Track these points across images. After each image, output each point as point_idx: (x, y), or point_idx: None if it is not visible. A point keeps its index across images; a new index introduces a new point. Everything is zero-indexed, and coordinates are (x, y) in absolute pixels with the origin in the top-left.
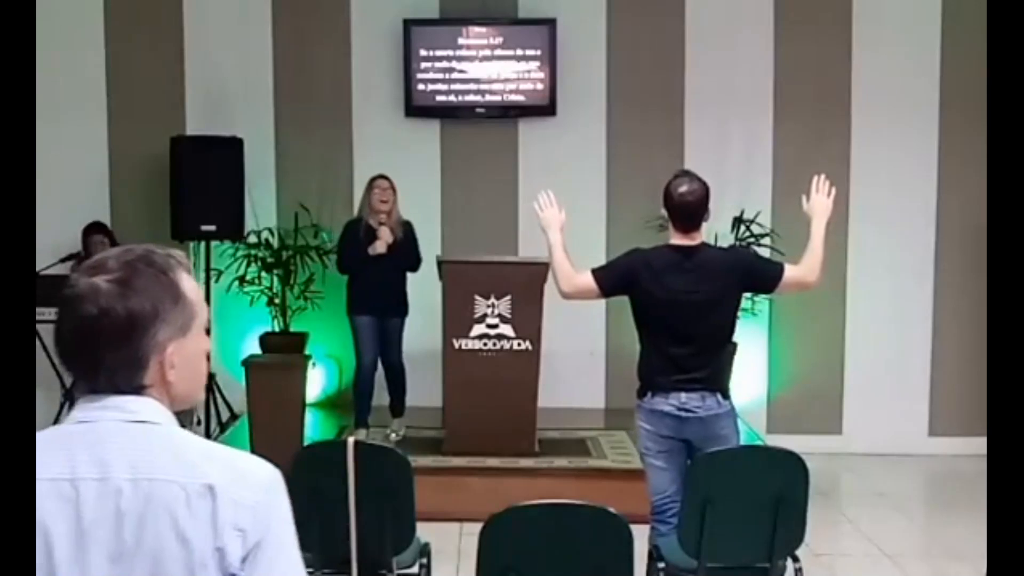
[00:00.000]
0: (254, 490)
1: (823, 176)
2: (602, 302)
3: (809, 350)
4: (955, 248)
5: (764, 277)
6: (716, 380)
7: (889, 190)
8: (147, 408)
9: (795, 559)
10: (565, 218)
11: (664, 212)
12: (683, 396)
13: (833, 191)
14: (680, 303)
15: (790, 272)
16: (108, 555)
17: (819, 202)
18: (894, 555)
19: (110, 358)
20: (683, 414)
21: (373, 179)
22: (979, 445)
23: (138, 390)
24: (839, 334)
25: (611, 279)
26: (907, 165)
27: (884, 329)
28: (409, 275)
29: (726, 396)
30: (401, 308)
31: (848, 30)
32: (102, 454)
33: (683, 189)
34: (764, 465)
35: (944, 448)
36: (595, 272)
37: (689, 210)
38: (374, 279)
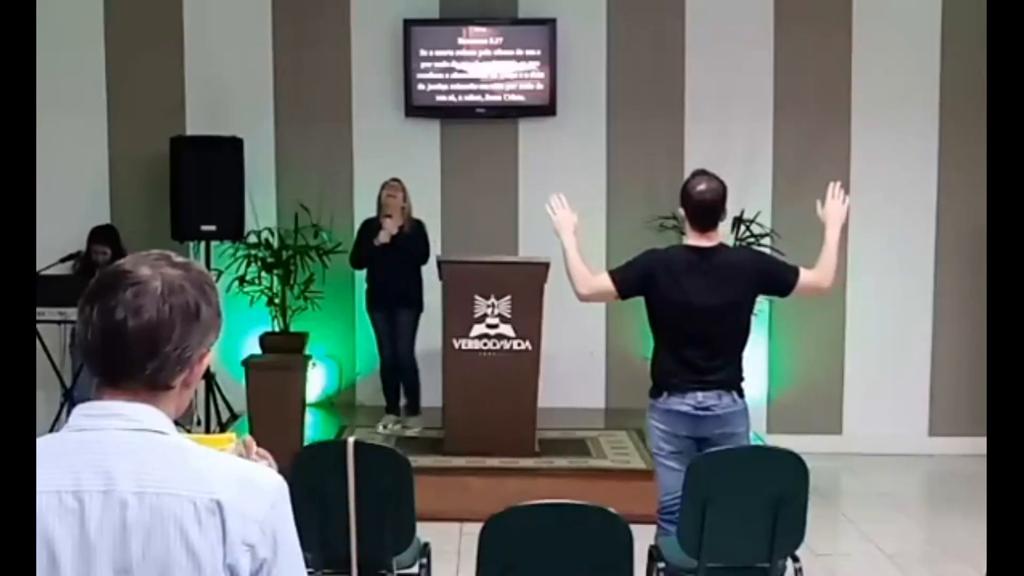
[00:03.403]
0: (261, 504)
1: (838, 184)
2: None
3: (809, 350)
4: (955, 247)
5: (781, 281)
6: (732, 380)
7: (889, 190)
8: (151, 416)
9: (795, 559)
10: (578, 220)
11: (680, 211)
12: (700, 395)
13: (848, 199)
14: (697, 306)
15: (805, 276)
16: (114, 568)
17: (834, 208)
18: (894, 555)
19: (167, 350)
20: (701, 413)
21: (385, 182)
22: (979, 445)
23: (167, 389)
24: (839, 334)
25: (628, 280)
26: (907, 165)
27: (884, 329)
28: (424, 275)
29: (741, 395)
30: (409, 302)
31: (848, 30)
32: (106, 465)
33: (701, 187)
34: (764, 465)
35: (944, 448)
36: (612, 273)
37: (707, 209)
38: (382, 274)
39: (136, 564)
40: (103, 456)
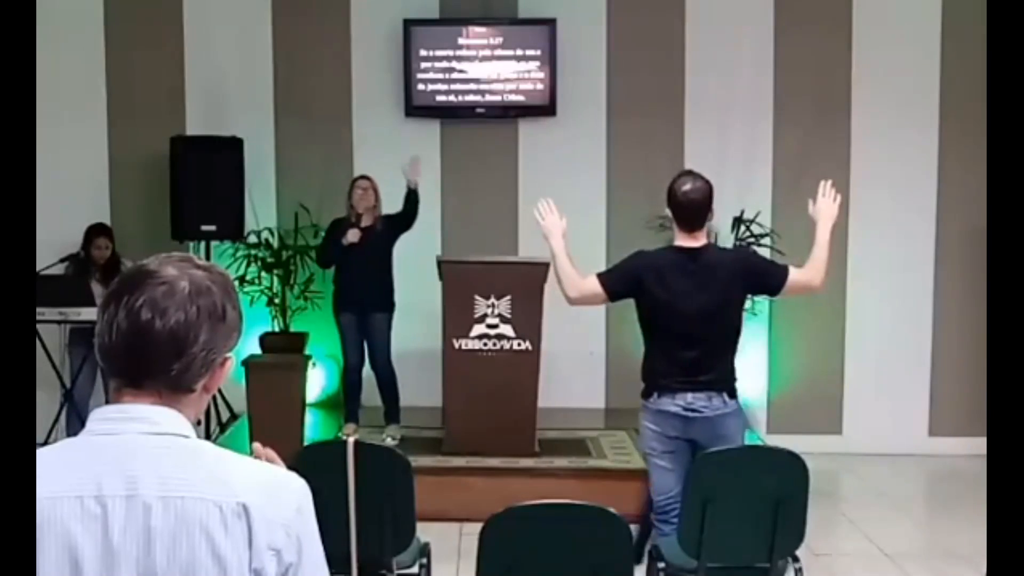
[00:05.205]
0: (286, 508)
1: (830, 182)
2: None
3: (809, 350)
4: (955, 247)
5: (769, 280)
6: (723, 381)
7: (889, 190)
8: (172, 420)
9: (795, 559)
10: (566, 224)
11: (668, 212)
12: (689, 396)
13: (839, 197)
14: (686, 306)
15: (795, 275)
16: (139, 574)
17: (825, 206)
18: (894, 555)
19: (193, 352)
20: (690, 414)
21: (354, 180)
22: (979, 445)
23: (188, 391)
24: (839, 334)
25: (617, 283)
26: (907, 165)
27: (884, 329)
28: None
29: (733, 396)
30: (381, 304)
31: (848, 30)
32: (128, 469)
33: (687, 187)
34: (764, 465)
35: (944, 448)
36: (600, 276)
37: (694, 209)
38: (353, 274)
39: (161, 570)
40: (124, 460)
